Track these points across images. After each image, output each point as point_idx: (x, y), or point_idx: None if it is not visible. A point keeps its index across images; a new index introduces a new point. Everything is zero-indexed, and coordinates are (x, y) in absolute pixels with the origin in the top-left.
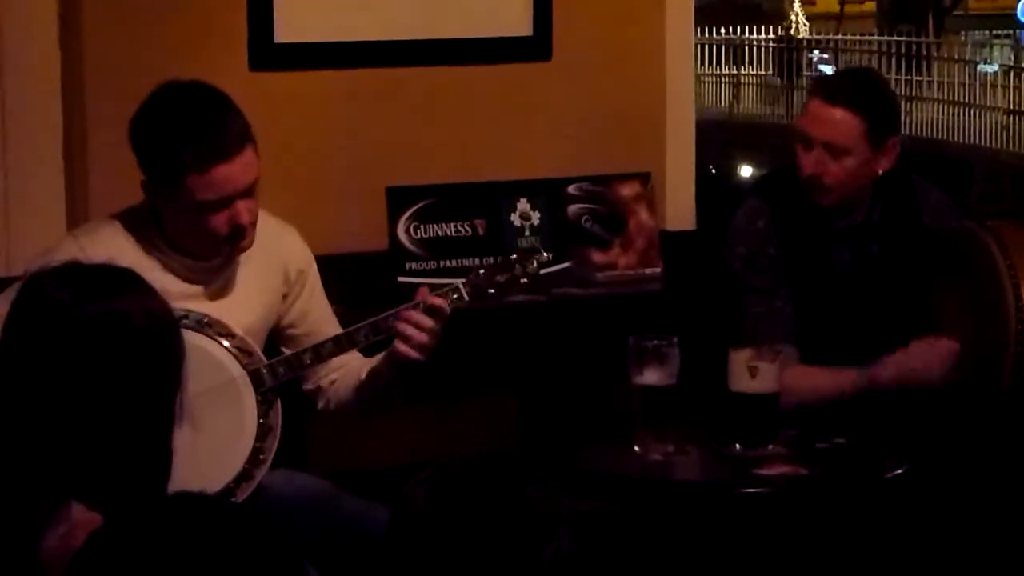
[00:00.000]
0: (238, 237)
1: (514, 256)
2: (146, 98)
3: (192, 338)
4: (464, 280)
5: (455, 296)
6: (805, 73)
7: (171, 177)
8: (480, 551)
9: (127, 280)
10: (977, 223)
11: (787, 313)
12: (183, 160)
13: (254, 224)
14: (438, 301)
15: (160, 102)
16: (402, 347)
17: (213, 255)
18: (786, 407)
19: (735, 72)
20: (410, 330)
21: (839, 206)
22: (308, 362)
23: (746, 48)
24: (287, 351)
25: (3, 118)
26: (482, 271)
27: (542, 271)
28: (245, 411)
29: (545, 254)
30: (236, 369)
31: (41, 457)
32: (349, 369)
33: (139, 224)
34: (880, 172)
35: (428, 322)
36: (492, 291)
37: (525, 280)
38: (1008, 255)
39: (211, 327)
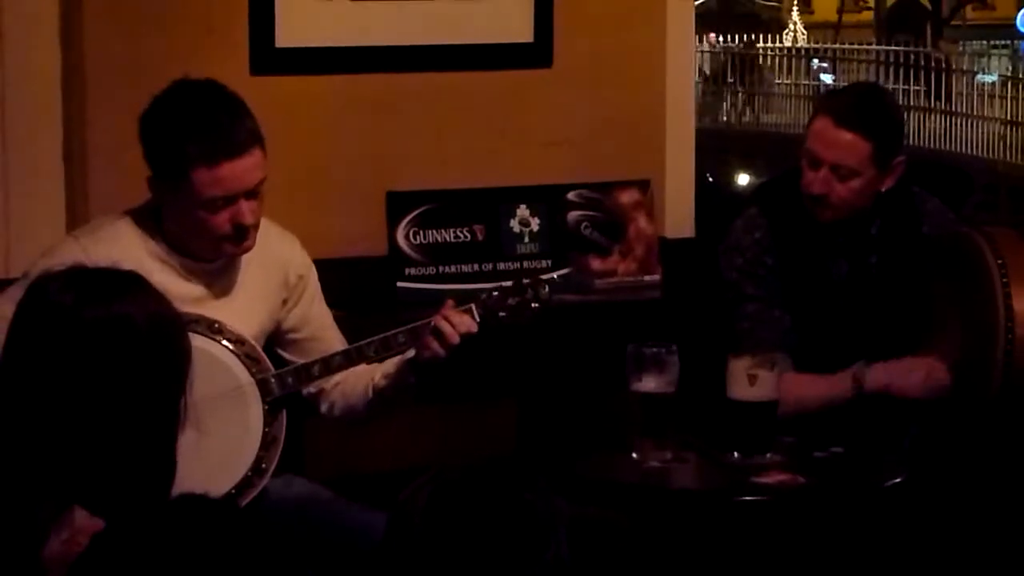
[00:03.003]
0: (240, 237)
1: (526, 280)
2: (158, 94)
3: (202, 343)
4: (476, 301)
5: None
6: (804, 81)
7: (178, 172)
8: (479, 557)
9: (131, 283)
10: (972, 227)
11: (784, 322)
12: (191, 155)
13: (257, 226)
14: (467, 319)
15: (172, 98)
16: (435, 345)
17: (214, 255)
18: (781, 415)
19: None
20: (449, 329)
21: (840, 221)
22: (316, 374)
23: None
24: (286, 355)
25: (3, 120)
26: (495, 293)
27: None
28: (251, 419)
29: (556, 277)
30: (244, 376)
31: (44, 461)
32: (353, 373)
33: (141, 224)
34: (883, 190)
35: (470, 326)
36: (503, 314)
37: (536, 305)
38: (1000, 255)
39: (222, 333)
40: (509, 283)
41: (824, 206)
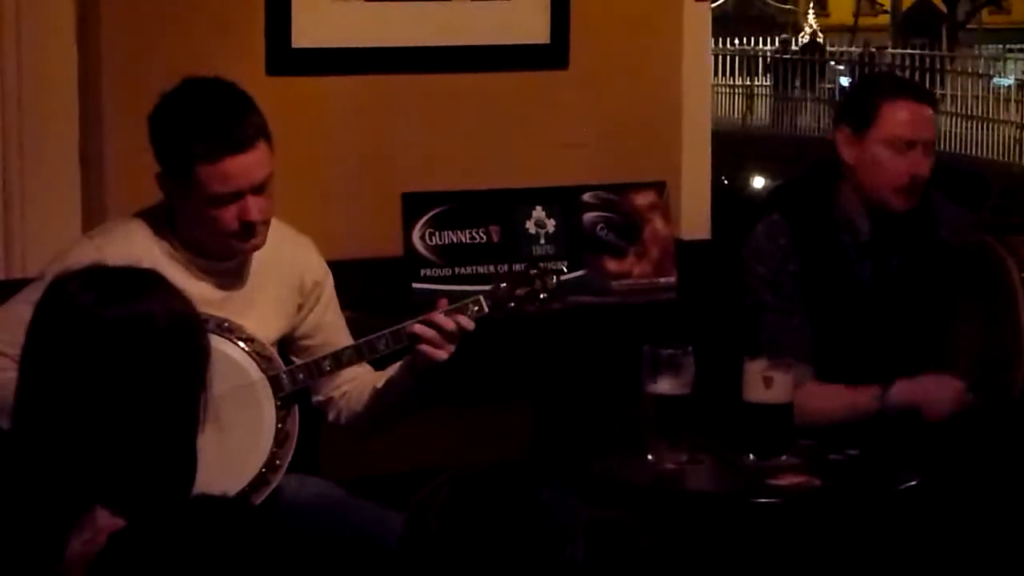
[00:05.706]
0: (248, 234)
1: (534, 271)
2: (166, 92)
3: (213, 341)
4: (484, 293)
5: (475, 308)
6: (819, 84)
7: (183, 168)
8: (495, 557)
9: (150, 281)
10: (996, 238)
11: (805, 332)
12: (195, 151)
13: (266, 223)
14: (462, 319)
15: (179, 96)
16: (428, 349)
17: (225, 253)
18: (801, 425)
19: (748, 83)
20: (433, 335)
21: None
22: (328, 368)
23: (760, 59)
24: (298, 361)
25: (20, 121)
26: (503, 284)
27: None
28: (264, 416)
29: (565, 268)
30: (256, 373)
31: (66, 461)
32: (361, 381)
33: (153, 224)
34: None
35: (450, 327)
36: (512, 304)
37: (544, 295)
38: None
39: (231, 331)
40: (518, 273)
41: (919, 189)
